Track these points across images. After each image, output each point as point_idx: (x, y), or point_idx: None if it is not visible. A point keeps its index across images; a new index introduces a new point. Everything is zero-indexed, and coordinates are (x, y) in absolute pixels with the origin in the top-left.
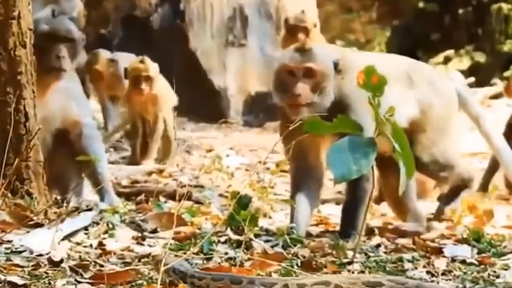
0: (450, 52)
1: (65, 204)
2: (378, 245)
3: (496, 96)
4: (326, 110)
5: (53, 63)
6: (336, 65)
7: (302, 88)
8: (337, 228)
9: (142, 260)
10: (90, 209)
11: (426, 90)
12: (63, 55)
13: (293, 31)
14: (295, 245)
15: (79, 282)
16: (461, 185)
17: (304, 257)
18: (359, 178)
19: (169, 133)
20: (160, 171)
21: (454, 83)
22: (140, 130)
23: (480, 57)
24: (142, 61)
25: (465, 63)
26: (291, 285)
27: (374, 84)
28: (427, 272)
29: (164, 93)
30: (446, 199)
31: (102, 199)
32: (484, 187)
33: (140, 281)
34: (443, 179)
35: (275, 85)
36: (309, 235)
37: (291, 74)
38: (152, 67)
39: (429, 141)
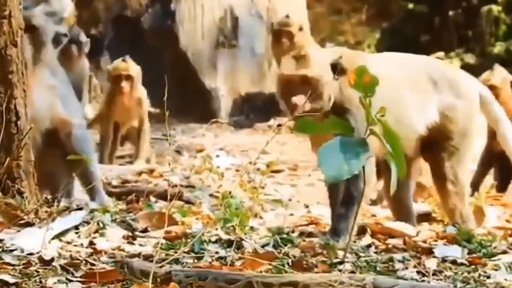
0: (440, 54)
1: (55, 204)
2: (369, 245)
3: None
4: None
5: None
6: (334, 67)
7: (298, 98)
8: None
9: (133, 259)
10: (80, 209)
11: (449, 93)
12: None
13: (278, 35)
14: (285, 245)
15: (70, 280)
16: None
17: (294, 257)
18: (355, 178)
19: (146, 135)
20: (151, 171)
21: (477, 85)
22: (111, 135)
23: (470, 59)
24: (124, 60)
25: (455, 64)
26: (256, 283)
27: (366, 84)
28: (418, 272)
29: (145, 96)
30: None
31: (92, 198)
32: (474, 188)
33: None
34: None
35: (277, 94)
36: (299, 235)
37: (288, 83)
38: (134, 67)
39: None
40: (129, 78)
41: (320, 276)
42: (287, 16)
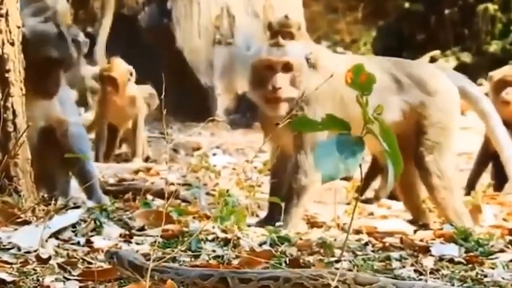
0: (436, 52)
1: (53, 202)
2: (366, 244)
3: None
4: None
5: (50, 89)
6: (308, 60)
7: (282, 82)
8: (324, 226)
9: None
10: (77, 207)
11: (417, 92)
12: (60, 81)
13: (277, 36)
14: (282, 243)
15: (68, 279)
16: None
17: (291, 255)
18: (295, 171)
19: (141, 134)
20: (148, 169)
21: (459, 82)
22: (106, 135)
23: (466, 58)
24: (109, 62)
25: (451, 63)
26: (230, 278)
27: (362, 82)
28: (415, 271)
29: (139, 95)
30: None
31: (89, 197)
32: (471, 187)
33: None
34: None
35: (252, 81)
36: (296, 233)
37: (270, 68)
38: (118, 68)
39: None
40: (111, 79)
41: (301, 271)
42: (286, 17)
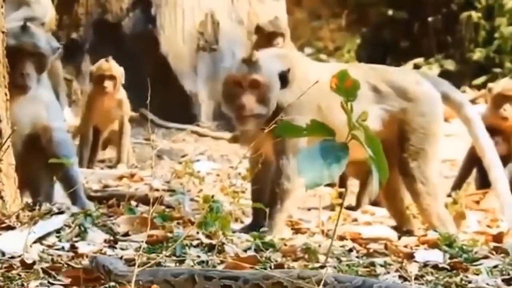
0: (419, 60)
1: (37, 207)
2: (350, 250)
3: None
4: (268, 120)
5: (18, 81)
6: (282, 77)
7: (247, 100)
8: (308, 232)
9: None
10: (62, 212)
11: (396, 99)
12: (27, 72)
13: (270, 37)
14: (267, 249)
15: (52, 284)
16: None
17: (276, 261)
18: (280, 177)
19: (127, 139)
20: (132, 176)
21: (441, 86)
22: (91, 139)
23: (450, 65)
24: (107, 61)
25: (435, 70)
26: (197, 276)
27: (347, 88)
28: (400, 277)
29: (125, 99)
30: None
31: (74, 202)
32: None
33: (112, 283)
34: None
35: (223, 95)
36: (281, 239)
37: (238, 85)
38: (116, 68)
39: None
40: (112, 78)
41: (261, 272)
42: (277, 18)
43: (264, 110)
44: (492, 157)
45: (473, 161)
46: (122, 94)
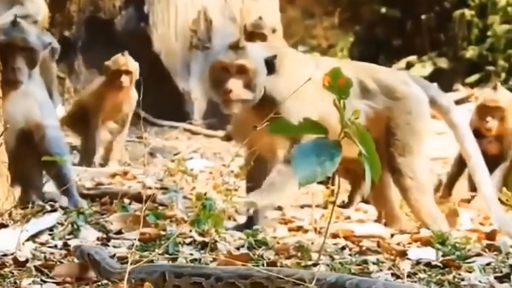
0: (412, 57)
1: (30, 205)
2: (343, 247)
3: (458, 102)
4: (256, 106)
5: (9, 76)
6: (269, 63)
7: (234, 84)
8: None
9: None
10: (54, 210)
11: (384, 97)
12: (18, 66)
13: (251, 37)
14: (260, 247)
15: (45, 281)
16: None
17: (269, 259)
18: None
19: (123, 137)
20: (125, 173)
21: (429, 90)
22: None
23: (443, 63)
24: (122, 55)
25: (428, 68)
26: (168, 273)
27: (340, 86)
28: (392, 274)
29: (136, 96)
30: None
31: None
32: (448, 192)
33: (105, 281)
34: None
35: (209, 81)
36: (274, 236)
37: (225, 70)
38: (132, 63)
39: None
40: (128, 73)
41: (236, 269)
42: (260, 18)
43: (250, 95)
44: (477, 161)
45: (463, 160)
46: (133, 90)
